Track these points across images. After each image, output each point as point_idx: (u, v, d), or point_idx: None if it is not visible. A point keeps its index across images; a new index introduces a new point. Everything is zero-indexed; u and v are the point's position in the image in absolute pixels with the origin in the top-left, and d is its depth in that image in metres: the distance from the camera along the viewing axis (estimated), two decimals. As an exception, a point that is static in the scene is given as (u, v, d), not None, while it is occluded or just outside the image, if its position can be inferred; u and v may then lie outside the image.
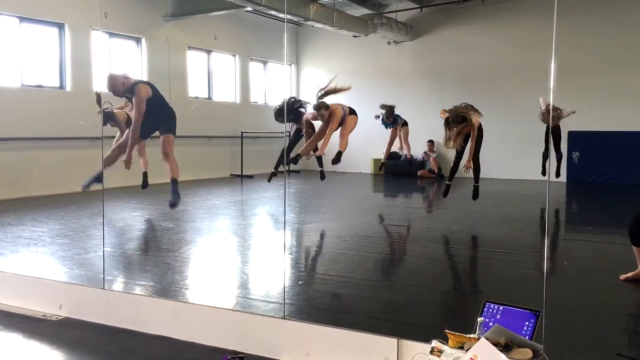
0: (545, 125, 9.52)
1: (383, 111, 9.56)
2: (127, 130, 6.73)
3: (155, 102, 5.85)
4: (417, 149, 14.34)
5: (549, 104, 9.22)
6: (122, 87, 5.74)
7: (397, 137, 9.69)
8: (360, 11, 13.92)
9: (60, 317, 3.76)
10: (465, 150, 7.06)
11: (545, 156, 9.86)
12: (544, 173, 9.98)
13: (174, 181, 5.90)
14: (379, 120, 10.03)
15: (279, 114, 8.22)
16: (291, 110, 8.13)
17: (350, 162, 11.83)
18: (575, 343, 3.29)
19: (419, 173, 13.23)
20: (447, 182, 7.50)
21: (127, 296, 3.84)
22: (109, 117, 7.03)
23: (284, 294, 4.07)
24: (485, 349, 2.30)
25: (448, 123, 6.87)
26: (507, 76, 13.38)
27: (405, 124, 9.58)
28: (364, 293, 4.33)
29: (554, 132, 9.46)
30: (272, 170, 8.52)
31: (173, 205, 5.89)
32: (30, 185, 9.48)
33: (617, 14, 12.18)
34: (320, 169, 8.33)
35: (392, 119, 9.50)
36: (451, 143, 6.88)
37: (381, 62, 15.03)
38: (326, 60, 15.87)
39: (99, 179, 6.03)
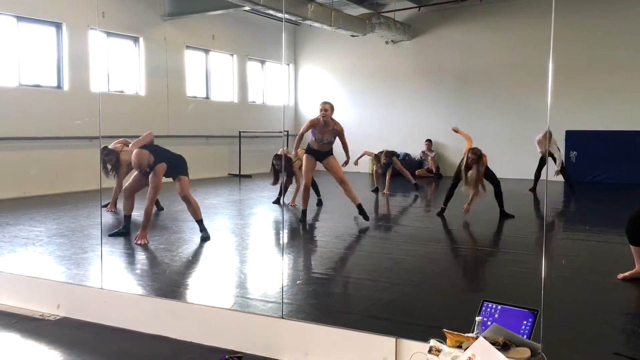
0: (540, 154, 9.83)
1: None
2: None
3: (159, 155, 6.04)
4: (415, 149, 14.39)
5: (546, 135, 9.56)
6: (147, 165, 5.90)
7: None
8: (358, 10, 13.93)
9: (58, 317, 3.76)
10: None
11: (537, 177, 10.08)
12: (534, 190, 10.17)
13: (200, 221, 6.21)
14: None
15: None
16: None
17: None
18: (573, 342, 3.29)
19: (417, 172, 13.25)
20: (442, 206, 7.68)
21: (125, 296, 3.84)
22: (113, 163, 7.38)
23: (282, 293, 4.06)
24: (483, 348, 2.30)
25: (467, 165, 7.24)
26: (505, 75, 13.40)
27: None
28: (362, 292, 4.33)
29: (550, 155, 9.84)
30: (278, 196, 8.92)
31: (207, 239, 6.13)
32: (28, 185, 9.47)
33: (615, 13, 12.19)
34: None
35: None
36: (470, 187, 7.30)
37: (379, 62, 15.03)
38: (324, 60, 15.89)
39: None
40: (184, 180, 6.10)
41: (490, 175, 7.53)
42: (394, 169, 10.54)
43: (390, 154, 10.56)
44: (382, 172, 10.54)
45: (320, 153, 7.17)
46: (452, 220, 7.42)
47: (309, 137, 7.28)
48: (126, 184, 6.36)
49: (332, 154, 7.19)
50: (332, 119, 7.02)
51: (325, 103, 7.02)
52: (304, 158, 7.28)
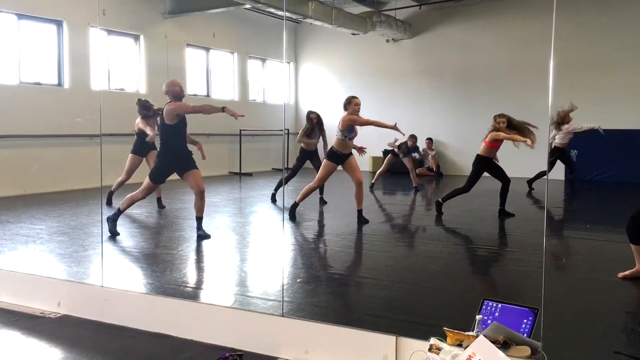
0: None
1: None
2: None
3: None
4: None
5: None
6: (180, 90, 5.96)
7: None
8: (359, 9, 13.91)
9: (58, 315, 3.76)
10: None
11: (542, 174, 10.10)
12: (530, 183, 10.18)
13: (201, 219, 6.16)
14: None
15: None
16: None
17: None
18: (574, 341, 3.29)
19: (417, 171, 13.23)
20: (440, 200, 7.66)
21: (125, 294, 3.84)
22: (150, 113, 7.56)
23: (282, 291, 4.07)
24: (483, 346, 2.30)
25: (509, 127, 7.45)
26: (506, 73, 13.38)
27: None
28: (363, 291, 4.34)
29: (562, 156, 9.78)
30: (273, 192, 8.95)
31: (204, 238, 6.08)
32: (29, 183, 9.47)
33: (616, 11, 12.17)
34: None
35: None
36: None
37: (380, 60, 15.02)
38: (325, 58, 15.87)
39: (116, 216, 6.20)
40: (198, 173, 6.04)
41: (500, 173, 7.51)
42: (402, 167, 10.49)
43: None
44: (404, 155, 10.52)
45: (344, 155, 7.03)
46: (452, 219, 7.41)
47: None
48: (138, 193, 6.05)
49: (352, 154, 7.14)
50: None
51: (356, 97, 7.02)
52: (324, 164, 7.15)
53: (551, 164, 10.10)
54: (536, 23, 11.68)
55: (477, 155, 7.53)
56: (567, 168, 10.64)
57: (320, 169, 7.31)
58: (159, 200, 8.07)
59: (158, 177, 6.00)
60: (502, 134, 7.26)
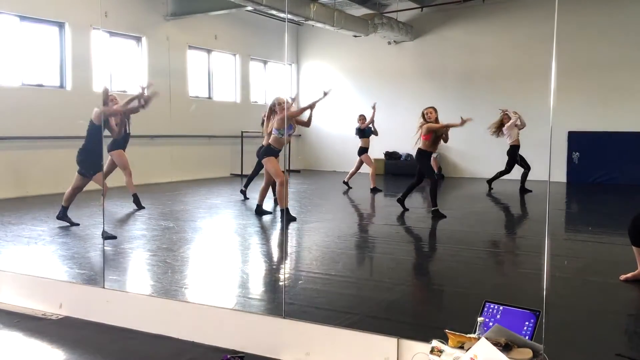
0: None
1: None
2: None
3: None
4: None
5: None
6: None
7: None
8: (360, 11, 13.93)
9: (60, 316, 3.76)
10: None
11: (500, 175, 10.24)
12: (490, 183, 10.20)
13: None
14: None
15: None
16: None
17: (349, 162, 11.83)
18: (575, 343, 3.29)
19: (419, 173, 13.24)
20: (436, 207, 7.73)
21: (127, 295, 3.85)
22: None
23: (283, 293, 4.06)
24: (485, 348, 2.30)
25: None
26: (507, 76, 13.38)
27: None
28: (364, 293, 4.33)
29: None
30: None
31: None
32: (31, 184, 9.49)
33: (617, 14, 12.18)
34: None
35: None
36: None
37: (381, 62, 15.03)
38: (326, 60, 15.88)
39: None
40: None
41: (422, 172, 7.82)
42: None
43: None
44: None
45: (278, 152, 7.32)
46: (453, 221, 7.41)
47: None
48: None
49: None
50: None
51: (281, 97, 7.54)
52: (270, 161, 7.33)
53: (511, 164, 10.36)
54: (538, 25, 11.68)
55: (419, 149, 7.80)
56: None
57: (270, 169, 7.42)
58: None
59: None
60: (435, 125, 7.59)
